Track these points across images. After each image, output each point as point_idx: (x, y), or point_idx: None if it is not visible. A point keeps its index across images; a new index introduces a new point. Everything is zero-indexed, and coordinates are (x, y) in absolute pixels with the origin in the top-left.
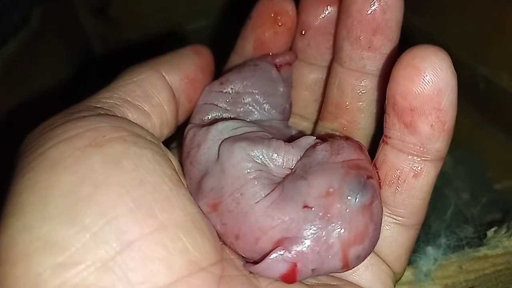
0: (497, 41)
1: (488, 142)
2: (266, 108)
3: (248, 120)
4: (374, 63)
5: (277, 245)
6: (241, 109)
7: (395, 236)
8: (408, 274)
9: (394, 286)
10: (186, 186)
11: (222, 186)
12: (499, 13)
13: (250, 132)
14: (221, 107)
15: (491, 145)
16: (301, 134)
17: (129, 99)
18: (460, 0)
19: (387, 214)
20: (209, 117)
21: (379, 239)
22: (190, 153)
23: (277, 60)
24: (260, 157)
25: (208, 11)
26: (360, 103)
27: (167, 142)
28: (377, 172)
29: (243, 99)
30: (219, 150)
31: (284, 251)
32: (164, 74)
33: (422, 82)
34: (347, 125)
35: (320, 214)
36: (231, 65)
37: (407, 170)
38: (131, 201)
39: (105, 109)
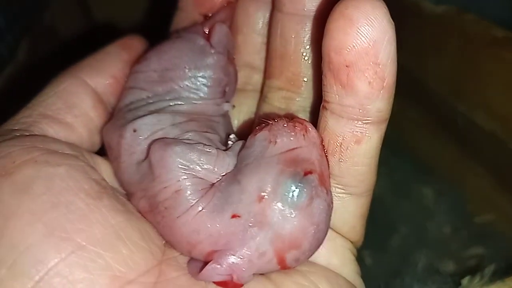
0: (472, 80)
1: (468, 176)
2: (194, 84)
3: (170, 100)
4: (314, 2)
5: (208, 259)
6: (162, 88)
7: (345, 206)
8: None
9: (355, 256)
10: (112, 192)
11: (149, 197)
12: (473, 53)
13: (178, 133)
14: (141, 88)
15: (471, 179)
16: (229, 121)
17: (50, 113)
18: (436, 40)
19: (334, 184)
20: (130, 102)
21: None
22: (113, 164)
23: (206, 26)
24: (192, 163)
25: None
26: (304, 51)
27: None
28: (325, 153)
29: (163, 77)
30: (147, 154)
31: (215, 265)
32: (86, 79)
33: (356, 34)
34: (294, 78)
35: (250, 224)
36: (175, 24)
37: (348, 136)
38: (43, 227)
39: (23, 129)
